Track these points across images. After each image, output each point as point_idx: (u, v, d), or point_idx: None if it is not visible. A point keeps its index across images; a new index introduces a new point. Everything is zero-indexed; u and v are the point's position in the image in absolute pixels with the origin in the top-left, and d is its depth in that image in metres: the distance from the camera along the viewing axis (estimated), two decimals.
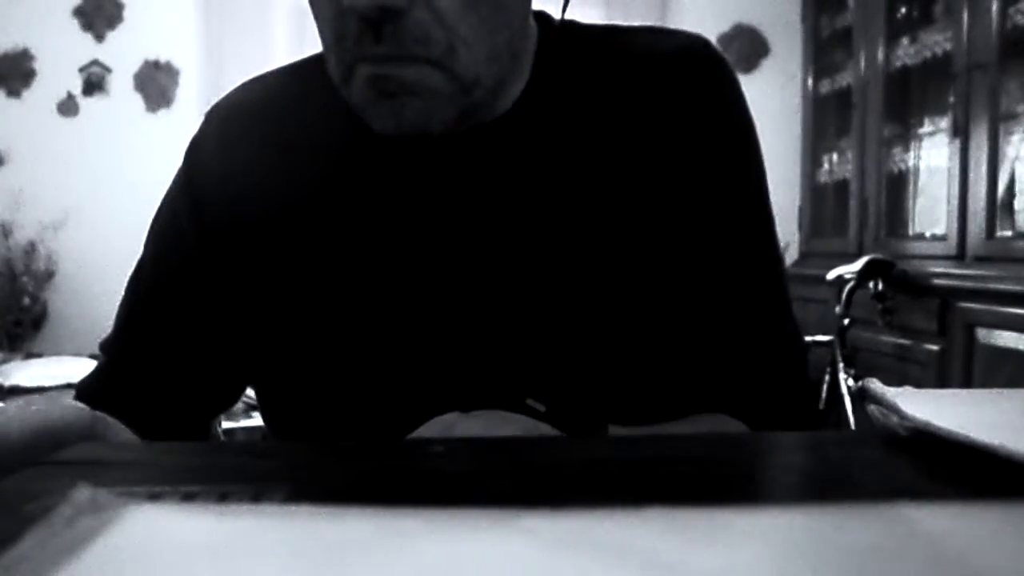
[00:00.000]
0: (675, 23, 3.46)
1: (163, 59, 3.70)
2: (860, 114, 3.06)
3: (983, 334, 2.22)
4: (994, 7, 2.27)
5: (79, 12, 3.67)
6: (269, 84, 0.75)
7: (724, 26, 3.71)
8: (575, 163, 0.67)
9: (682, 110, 0.68)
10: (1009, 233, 2.29)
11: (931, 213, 2.74)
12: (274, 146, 0.70)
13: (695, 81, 0.68)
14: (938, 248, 2.54)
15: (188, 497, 0.37)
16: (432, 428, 0.57)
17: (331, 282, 0.67)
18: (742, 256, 0.70)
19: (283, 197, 0.69)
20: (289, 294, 0.68)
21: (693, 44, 0.70)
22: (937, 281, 2.41)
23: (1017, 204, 2.29)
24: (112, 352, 0.75)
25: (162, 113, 3.71)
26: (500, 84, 0.65)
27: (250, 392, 0.77)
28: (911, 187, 2.90)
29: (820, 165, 3.51)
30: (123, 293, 0.75)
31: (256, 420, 2.58)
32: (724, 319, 0.69)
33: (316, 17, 0.62)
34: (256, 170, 0.70)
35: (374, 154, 0.67)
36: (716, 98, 0.69)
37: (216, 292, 0.71)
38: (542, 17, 0.72)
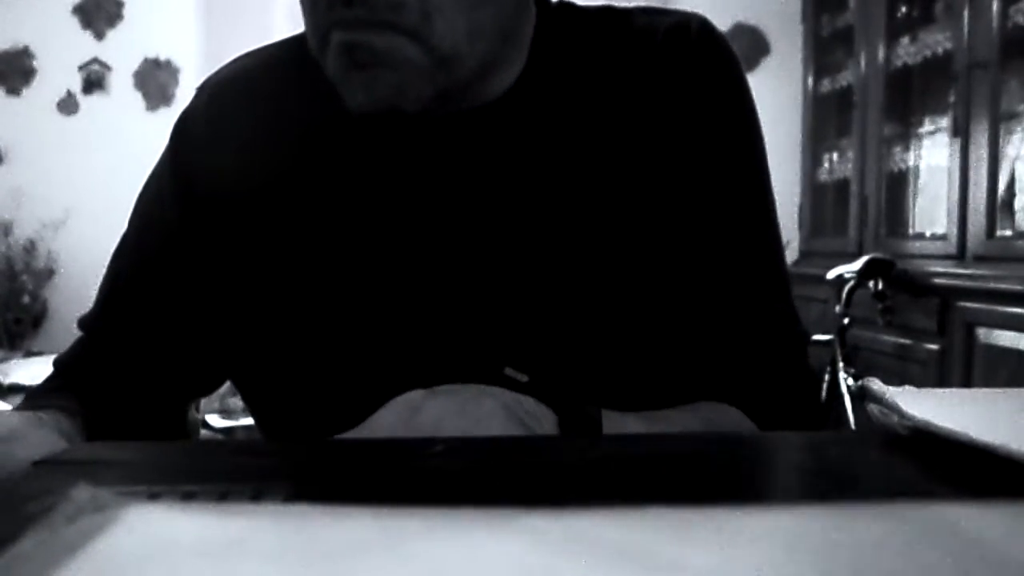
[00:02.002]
0: None
1: (163, 57, 3.70)
2: (860, 113, 3.06)
3: (983, 334, 2.22)
4: (994, 6, 2.27)
5: (79, 10, 3.67)
6: (261, 59, 0.74)
7: (724, 26, 3.70)
8: (571, 146, 0.66)
9: (678, 88, 0.67)
10: (1009, 233, 2.29)
11: (931, 213, 2.74)
12: (262, 122, 0.70)
13: (690, 58, 0.67)
14: (938, 248, 2.54)
15: (188, 497, 0.37)
16: (394, 409, 0.54)
17: (312, 260, 0.67)
18: (739, 236, 0.68)
19: (268, 175, 0.68)
20: (270, 271, 0.68)
21: (688, 21, 0.69)
22: (937, 281, 2.41)
23: (1017, 204, 2.29)
24: (91, 327, 0.74)
25: (162, 111, 3.71)
26: (488, 65, 0.64)
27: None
28: (911, 187, 2.90)
29: (820, 164, 3.51)
30: (106, 267, 0.74)
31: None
32: (720, 302, 0.68)
33: None
34: (243, 146, 0.69)
35: (362, 134, 0.67)
36: (711, 75, 0.67)
37: (198, 269, 0.70)
38: (541, 0, 0.71)
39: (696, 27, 0.68)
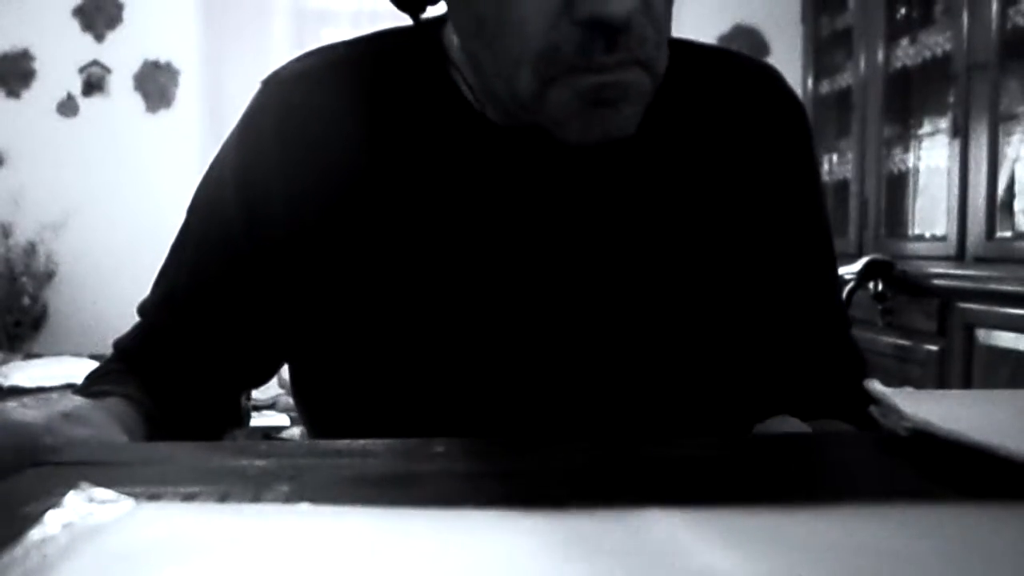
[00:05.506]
0: (675, 23, 3.45)
1: (163, 59, 3.70)
2: (860, 114, 3.06)
3: (983, 334, 2.22)
4: (994, 7, 2.27)
5: (79, 12, 3.67)
6: (326, 59, 0.72)
7: (724, 26, 3.71)
8: (666, 181, 0.69)
9: (764, 139, 0.71)
10: (1009, 233, 2.28)
11: (931, 213, 2.74)
12: (332, 121, 0.69)
13: (777, 112, 0.72)
14: (938, 248, 2.54)
15: (188, 497, 0.37)
16: None
17: (384, 273, 0.66)
18: (816, 278, 0.75)
19: (338, 176, 0.68)
20: (337, 278, 0.67)
21: (769, 69, 0.74)
22: (937, 281, 2.41)
23: (1017, 204, 2.29)
24: (151, 316, 0.74)
25: (162, 113, 3.70)
26: None
27: (251, 393, 0.78)
28: (911, 187, 2.90)
29: (820, 165, 3.51)
30: (166, 255, 0.74)
31: (256, 420, 2.58)
32: (801, 339, 0.74)
33: (503, 32, 0.57)
34: (313, 145, 0.68)
35: (443, 141, 0.67)
36: (794, 130, 0.73)
37: (261, 269, 0.69)
38: None
39: (780, 85, 0.74)
